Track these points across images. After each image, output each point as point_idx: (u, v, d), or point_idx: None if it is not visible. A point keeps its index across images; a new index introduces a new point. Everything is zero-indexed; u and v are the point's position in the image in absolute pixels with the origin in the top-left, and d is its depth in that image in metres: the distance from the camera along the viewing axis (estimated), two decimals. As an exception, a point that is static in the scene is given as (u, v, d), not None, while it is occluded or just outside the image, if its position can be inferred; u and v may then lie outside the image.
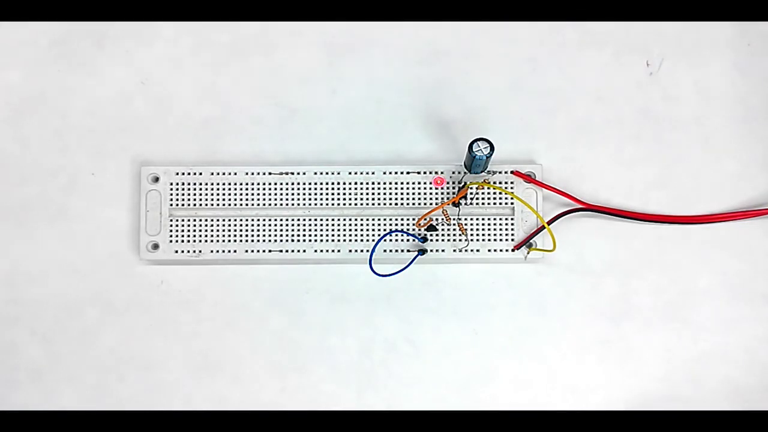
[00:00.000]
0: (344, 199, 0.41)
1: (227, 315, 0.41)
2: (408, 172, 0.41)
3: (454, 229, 0.40)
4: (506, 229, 0.40)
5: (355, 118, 0.42)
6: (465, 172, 0.40)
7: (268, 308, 0.41)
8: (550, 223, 0.40)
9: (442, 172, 0.41)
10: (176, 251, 0.40)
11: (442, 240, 0.40)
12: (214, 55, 0.42)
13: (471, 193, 0.40)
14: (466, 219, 0.40)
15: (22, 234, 0.41)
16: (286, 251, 0.40)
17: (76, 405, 0.40)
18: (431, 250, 0.40)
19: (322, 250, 0.40)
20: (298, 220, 0.41)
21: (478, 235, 0.40)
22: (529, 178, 0.40)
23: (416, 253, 0.40)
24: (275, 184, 0.41)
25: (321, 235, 0.40)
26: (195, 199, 0.41)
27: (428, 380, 0.40)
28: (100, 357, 0.41)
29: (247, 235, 0.40)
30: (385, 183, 0.41)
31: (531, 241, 0.40)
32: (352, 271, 0.41)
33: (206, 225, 0.41)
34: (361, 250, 0.40)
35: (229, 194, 0.41)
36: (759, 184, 0.41)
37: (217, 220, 0.41)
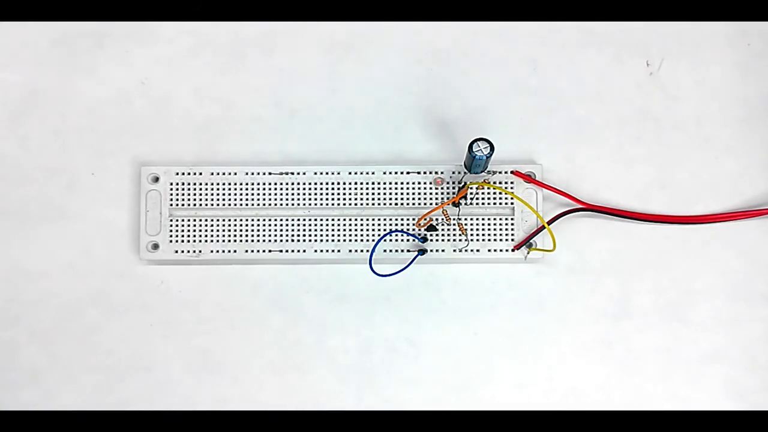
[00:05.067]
0: (344, 199, 0.41)
1: (227, 315, 0.41)
2: (408, 172, 0.41)
3: (454, 229, 0.40)
4: (506, 229, 0.40)
5: (355, 118, 0.42)
6: (465, 172, 0.40)
7: (268, 308, 0.41)
8: (550, 223, 0.40)
9: (442, 172, 0.41)
10: (176, 251, 0.40)
11: (442, 240, 0.40)
12: (214, 55, 0.42)
13: (471, 193, 0.40)
14: (466, 219, 0.40)
15: (22, 234, 0.41)
16: (286, 251, 0.40)
17: (76, 405, 0.40)
18: (431, 250, 0.40)
19: (322, 250, 0.40)
20: (298, 220, 0.41)
21: (478, 235, 0.40)
22: (529, 178, 0.40)
23: (416, 253, 0.40)
24: (275, 184, 0.41)
25: (321, 235, 0.40)
26: (195, 199, 0.41)
27: (428, 380, 0.40)
28: (100, 357, 0.41)
29: (247, 235, 0.40)
30: (385, 183, 0.41)
31: (531, 241, 0.40)
32: (352, 271, 0.41)
33: (206, 225, 0.41)
34: (361, 250, 0.40)
35: (229, 194, 0.41)
36: (759, 184, 0.41)
37: (217, 220, 0.41)
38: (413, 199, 0.41)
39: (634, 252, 0.41)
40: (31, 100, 0.42)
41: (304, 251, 0.40)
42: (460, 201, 0.40)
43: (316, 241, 0.40)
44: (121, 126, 0.42)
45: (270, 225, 0.41)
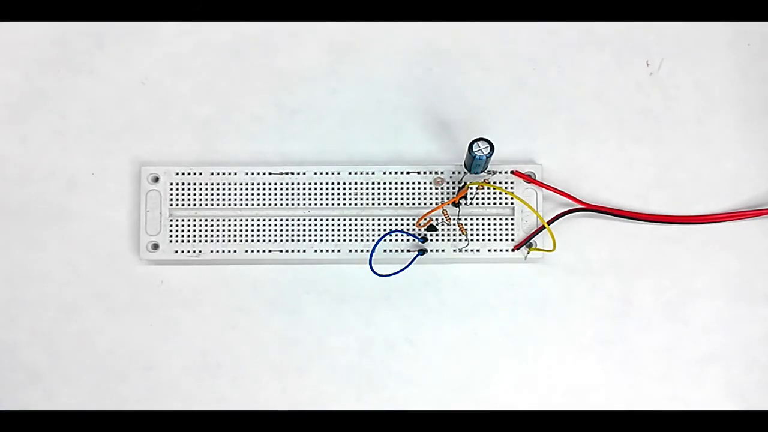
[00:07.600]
0: (344, 199, 0.41)
1: (227, 315, 0.41)
2: (408, 172, 0.41)
3: (454, 229, 0.40)
4: (506, 229, 0.40)
5: (355, 118, 0.42)
6: (465, 172, 0.40)
7: (268, 308, 0.41)
8: (550, 223, 0.40)
9: (442, 172, 0.41)
10: (176, 251, 0.40)
11: (442, 240, 0.40)
12: (214, 55, 0.42)
13: (471, 193, 0.40)
14: (466, 219, 0.40)
15: (22, 234, 0.41)
16: (286, 251, 0.40)
17: (76, 405, 0.40)
18: (431, 250, 0.40)
19: (322, 250, 0.40)
20: (298, 220, 0.41)
21: (478, 235, 0.40)
22: (529, 178, 0.40)
23: (416, 253, 0.40)
24: (275, 184, 0.41)
25: (321, 235, 0.40)
26: (195, 199, 0.41)
27: (428, 380, 0.40)
28: (100, 357, 0.41)
29: (247, 235, 0.40)
30: (385, 183, 0.41)
31: (531, 241, 0.40)
32: (352, 271, 0.41)
33: (206, 225, 0.41)
34: (361, 250, 0.40)
35: (229, 194, 0.41)
36: (759, 184, 0.41)
37: (217, 220, 0.41)
38: (413, 199, 0.41)
39: (634, 252, 0.41)
40: (31, 100, 0.42)
41: (304, 251, 0.40)
42: (460, 201, 0.40)
43: (316, 241, 0.40)
44: (121, 126, 0.42)
45: (270, 225, 0.41)
